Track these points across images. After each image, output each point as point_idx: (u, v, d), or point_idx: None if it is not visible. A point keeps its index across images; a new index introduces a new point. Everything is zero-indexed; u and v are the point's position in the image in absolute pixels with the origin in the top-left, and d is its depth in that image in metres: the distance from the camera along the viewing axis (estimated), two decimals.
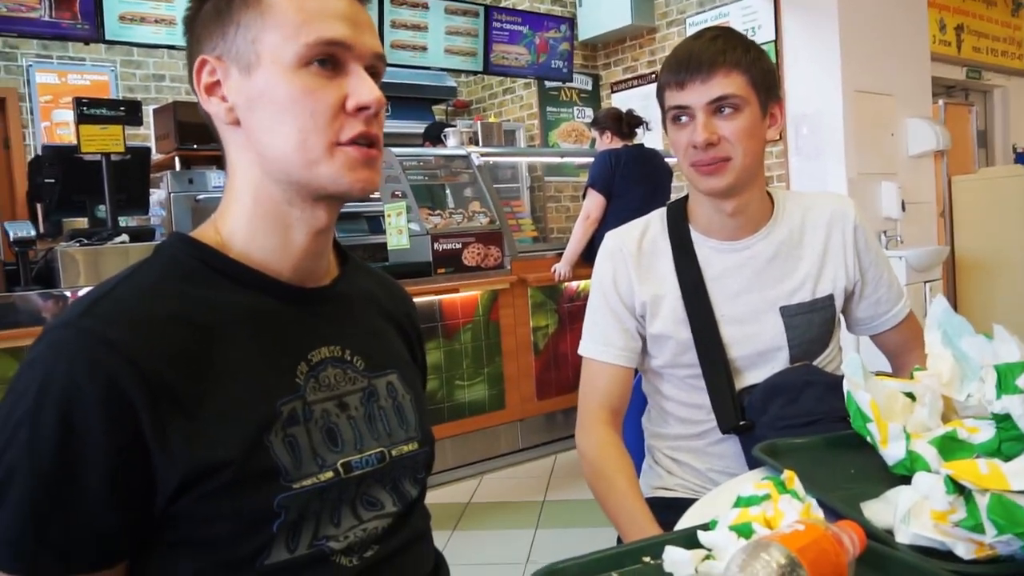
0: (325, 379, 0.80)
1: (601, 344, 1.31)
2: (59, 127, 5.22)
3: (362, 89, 0.75)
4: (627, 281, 1.31)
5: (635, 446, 1.43)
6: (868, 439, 0.96)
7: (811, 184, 4.91)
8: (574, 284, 3.99)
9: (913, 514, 0.74)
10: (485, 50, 5.26)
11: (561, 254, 3.88)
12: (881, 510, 0.80)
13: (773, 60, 5.15)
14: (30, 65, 5.27)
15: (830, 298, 1.30)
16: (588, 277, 3.90)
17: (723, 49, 1.19)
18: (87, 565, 0.66)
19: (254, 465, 0.71)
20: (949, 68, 5.82)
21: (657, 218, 1.35)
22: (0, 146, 5.30)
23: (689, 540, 0.75)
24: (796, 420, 1.18)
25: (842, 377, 1.27)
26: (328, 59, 0.75)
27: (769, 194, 1.33)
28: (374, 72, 0.78)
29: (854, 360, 0.99)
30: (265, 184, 0.78)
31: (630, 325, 1.31)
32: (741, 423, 1.24)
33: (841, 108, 4.76)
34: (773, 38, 5.20)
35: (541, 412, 3.90)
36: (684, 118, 1.22)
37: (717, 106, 1.19)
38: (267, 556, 0.72)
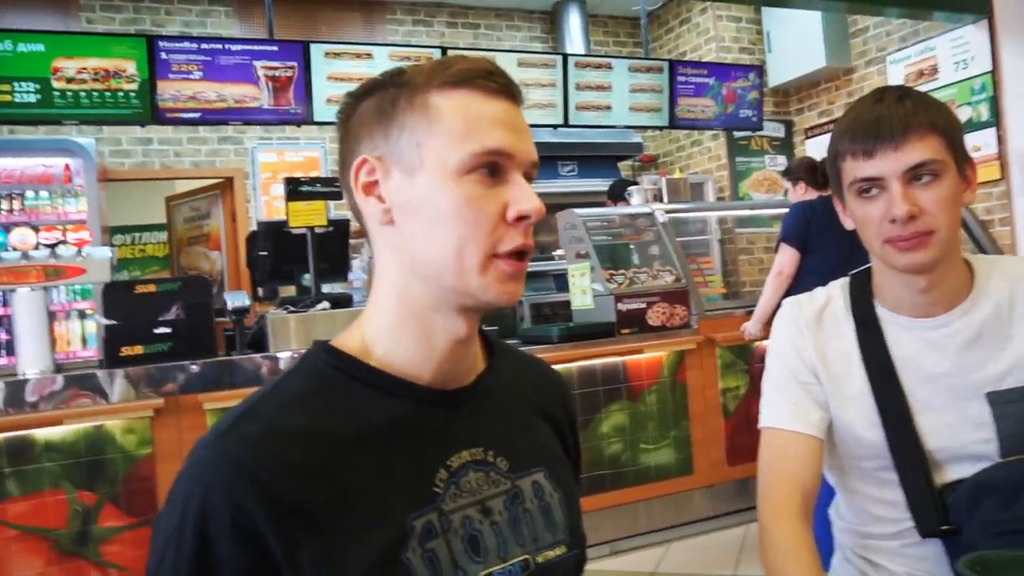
0: (466, 484, 0.78)
1: (790, 414, 1.17)
2: (276, 199, 5.77)
3: (523, 198, 0.75)
4: (807, 350, 1.20)
5: (821, 535, 1.30)
6: None
7: None
8: (766, 343, 3.78)
9: None
10: (670, 105, 5.21)
11: (751, 312, 3.70)
12: None
13: (991, 93, 4.71)
14: (254, 147, 5.89)
15: None
16: None
17: (913, 110, 1.07)
18: None
19: None
20: None
21: (839, 290, 1.24)
22: (228, 219, 5.94)
23: None
24: (1012, 526, 1.02)
25: None
26: (490, 167, 0.75)
27: (968, 263, 1.18)
28: (528, 178, 0.78)
29: None
30: (412, 286, 0.77)
31: (818, 395, 1.18)
32: (944, 527, 1.09)
33: None
34: (989, 69, 4.76)
35: (732, 478, 3.70)
36: (873, 190, 1.10)
37: (914, 174, 1.07)
38: None
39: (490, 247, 0.74)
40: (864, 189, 1.11)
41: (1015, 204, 4.63)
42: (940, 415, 1.13)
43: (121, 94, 3.78)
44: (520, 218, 0.75)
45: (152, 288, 2.98)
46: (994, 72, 4.75)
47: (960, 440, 1.12)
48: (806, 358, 1.19)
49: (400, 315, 0.79)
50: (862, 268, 1.24)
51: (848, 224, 1.19)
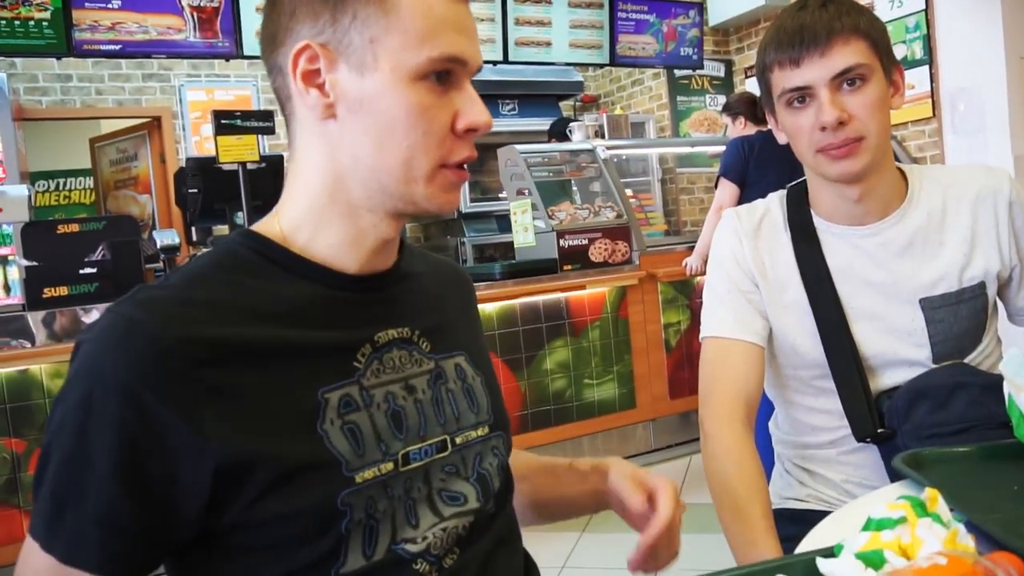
0: (389, 361, 0.76)
1: (733, 322, 1.16)
2: (207, 140, 5.56)
3: (474, 110, 0.73)
4: (746, 259, 1.19)
5: (761, 451, 1.31)
6: None
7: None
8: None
9: None
10: (611, 42, 5.15)
11: (692, 247, 3.73)
12: None
13: (924, 31, 4.77)
14: (182, 85, 5.64)
15: (981, 286, 1.14)
16: None
17: (837, 15, 1.06)
18: (93, 564, 0.63)
19: (306, 456, 0.68)
20: None
21: (777, 201, 1.23)
22: (156, 160, 5.71)
23: (808, 568, 0.65)
24: (945, 428, 1.04)
25: (998, 376, 1.12)
26: (442, 73, 0.71)
27: (902, 172, 1.18)
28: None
29: (1015, 357, 0.86)
30: (347, 185, 0.74)
31: (759, 304, 1.18)
32: (879, 431, 1.10)
33: (1005, 79, 4.33)
34: (923, 7, 4.80)
35: (674, 412, 3.76)
36: (803, 99, 1.08)
37: (842, 80, 1.06)
38: (342, 564, 0.69)
39: (439, 158, 0.73)
40: (793, 99, 1.10)
41: (946, 141, 4.73)
42: (875, 323, 1.14)
43: (32, 23, 3.55)
44: (469, 130, 0.73)
45: (76, 228, 2.85)
46: (927, 10, 4.79)
47: (894, 347, 1.14)
48: (745, 267, 1.19)
49: (328, 212, 0.75)
50: (799, 180, 1.24)
51: (781, 138, 1.18)
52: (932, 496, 0.66)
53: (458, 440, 0.79)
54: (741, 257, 1.19)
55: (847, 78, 1.06)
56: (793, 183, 1.24)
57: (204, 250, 3.03)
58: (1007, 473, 0.87)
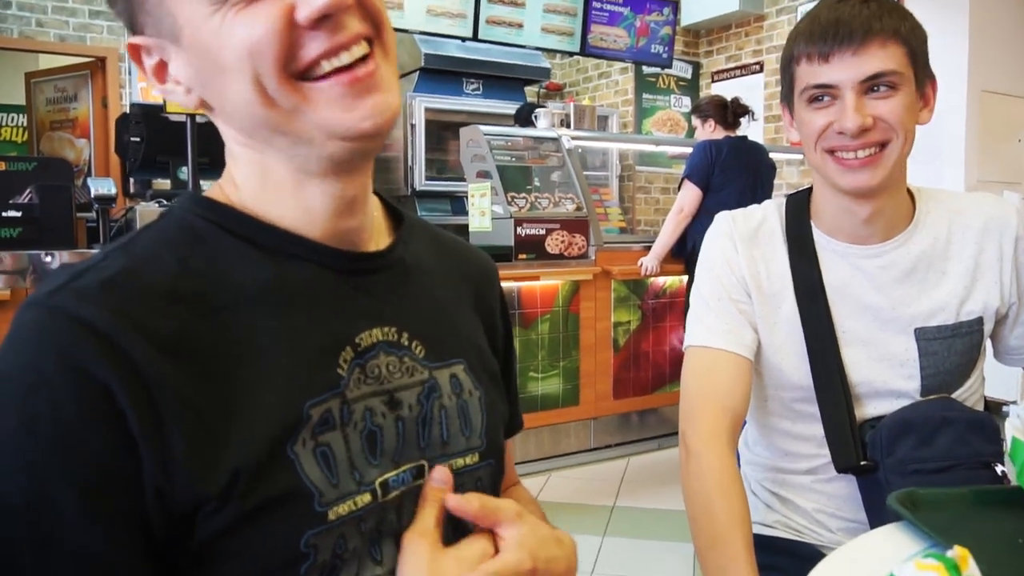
0: (374, 368, 0.63)
1: (722, 332, 1.08)
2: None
3: None
4: (740, 266, 1.11)
5: None
6: None
7: None
8: (661, 280, 3.78)
9: None
10: (583, 31, 5.07)
11: (649, 247, 3.68)
12: None
13: None
14: None
15: (978, 321, 1.09)
16: (677, 273, 3.71)
17: (878, 14, 0.98)
18: None
19: (272, 486, 0.55)
20: None
21: (774, 210, 1.16)
22: (98, 104, 5.41)
23: None
24: (928, 464, 0.99)
25: (983, 414, 1.08)
26: None
27: (911, 193, 1.12)
28: None
29: None
30: (266, 157, 0.61)
31: (750, 315, 1.10)
32: (862, 462, 1.04)
33: (965, 109, 4.39)
34: None
35: (616, 412, 3.72)
36: (825, 98, 1.01)
37: (870, 85, 0.98)
38: None
39: (283, 59, 0.56)
40: (815, 96, 1.02)
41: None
42: (866, 348, 1.08)
43: None
44: (316, 20, 0.55)
45: (2, 166, 2.64)
46: None
47: (884, 376, 1.08)
48: (739, 274, 1.11)
49: (268, 187, 0.63)
50: (802, 189, 1.17)
51: (793, 135, 1.11)
52: (963, 556, 0.59)
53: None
54: (735, 264, 1.12)
55: (876, 83, 0.98)
56: (793, 192, 1.16)
57: (142, 204, 2.85)
58: (1008, 522, 0.81)
